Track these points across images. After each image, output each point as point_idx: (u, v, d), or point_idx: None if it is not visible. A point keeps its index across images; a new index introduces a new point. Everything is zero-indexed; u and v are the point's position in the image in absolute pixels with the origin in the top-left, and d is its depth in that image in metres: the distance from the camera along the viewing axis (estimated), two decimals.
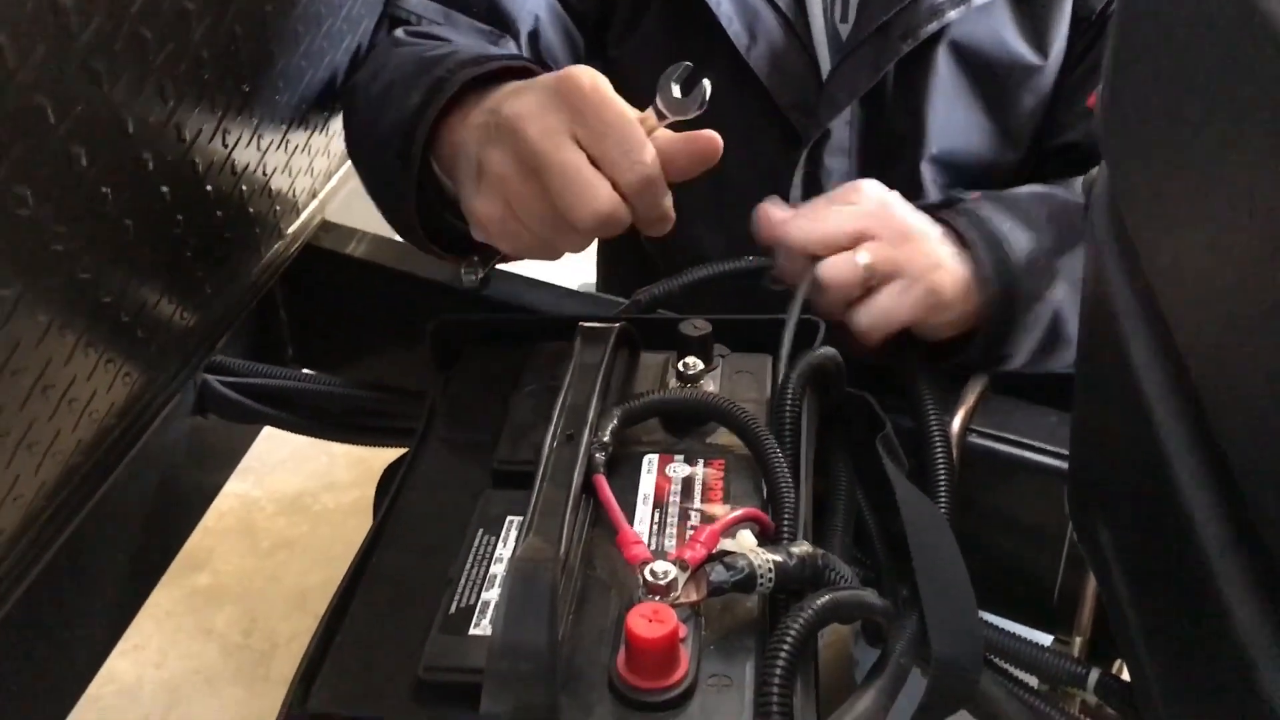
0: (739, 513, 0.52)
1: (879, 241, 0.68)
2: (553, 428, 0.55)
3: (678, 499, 0.55)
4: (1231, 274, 0.40)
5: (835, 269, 0.67)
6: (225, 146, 0.68)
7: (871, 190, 0.71)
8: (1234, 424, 0.40)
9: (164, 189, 0.62)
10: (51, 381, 0.59)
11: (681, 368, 0.63)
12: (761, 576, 0.48)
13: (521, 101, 0.60)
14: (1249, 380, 0.38)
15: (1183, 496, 0.44)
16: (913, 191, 0.86)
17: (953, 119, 0.87)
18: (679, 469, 0.57)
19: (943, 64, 0.85)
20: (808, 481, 0.57)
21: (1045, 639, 0.76)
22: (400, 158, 0.68)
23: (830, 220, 0.69)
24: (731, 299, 0.79)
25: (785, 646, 0.45)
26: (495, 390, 0.64)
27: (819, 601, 0.47)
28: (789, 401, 0.60)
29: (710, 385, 0.63)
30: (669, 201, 0.61)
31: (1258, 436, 0.38)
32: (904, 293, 0.68)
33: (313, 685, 0.47)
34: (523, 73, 0.68)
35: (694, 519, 0.54)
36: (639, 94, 0.62)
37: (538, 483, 0.52)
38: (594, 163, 0.58)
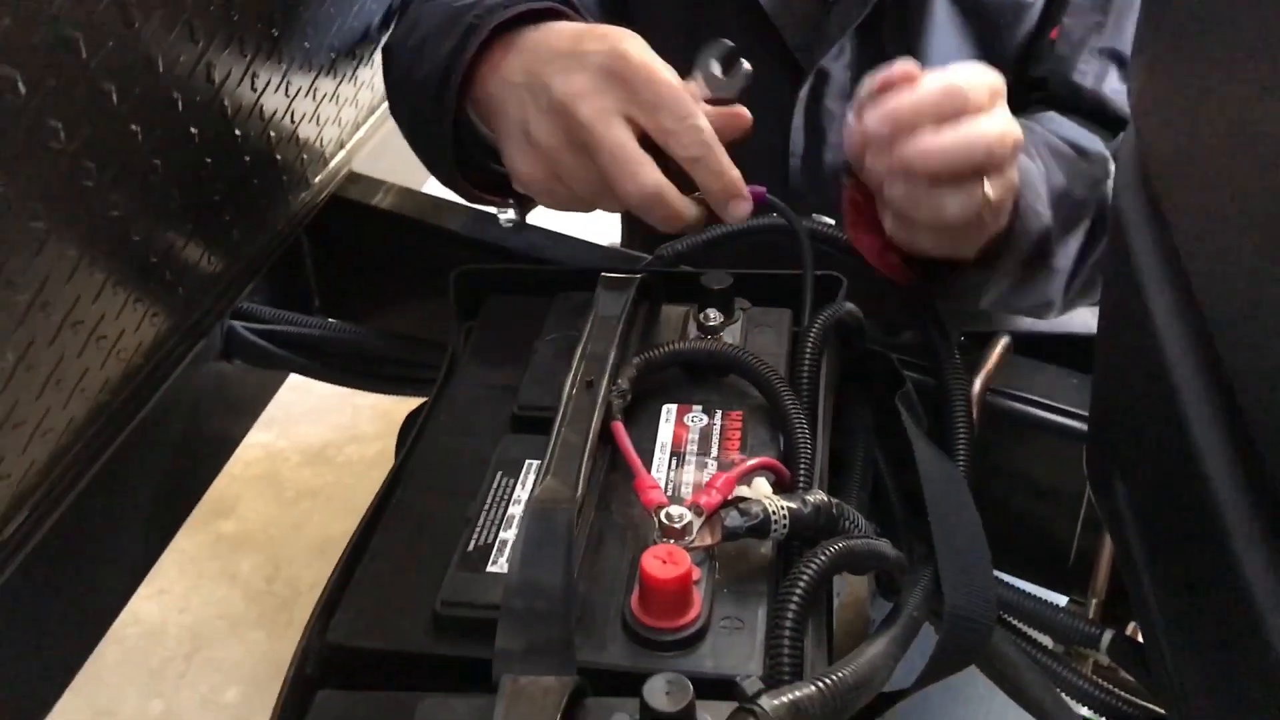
0: (755, 461, 0.52)
1: (1002, 173, 0.62)
2: (572, 374, 0.56)
3: (695, 447, 0.56)
4: (1260, 233, 0.40)
5: (959, 205, 0.61)
6: (254, 91, 0.69)
7: (997, 92, 0.62)
8: (1255, 386, 0.40)
9: (193, 130, 0.63)
10: (80, 318, 0.60)
11: (702, 319, 0.63)
12: (775, 523, 0.48)
13: (573, 81, 0.60)
14: (1273, 342, 0.38)
15: (1201, 457, 0.44)
16: None
17: (948, 59, 0.86)
18: (697, 418, 0.58)
19: (939, 3, 0.84)
20: (825, 434, 0.57)
21: (1060, 600, 0.76)
22: (437, 104, 0.69)
23: (963, 136, 0.59)
24: (753, 255, 0.80)
25: (797, 591, 0.45)
26: (517, 338, 0.65)
27: (832, 548, 0.47)
28: (808, 355, 0.60)
29: (730, 337, 0.63)
30: (735, 171, 0.61)
31: (1277, 398, 0.38)
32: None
33: (331, 618, 0.48)
34: (551, 14, 0.68)
35: (711, 467, 0.54)
36: (654, 44, 0.62)
37: (556, 427, 0.52)
38: (649, 136, 0.60)
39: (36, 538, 0.65)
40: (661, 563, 0.45)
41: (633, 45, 0.60)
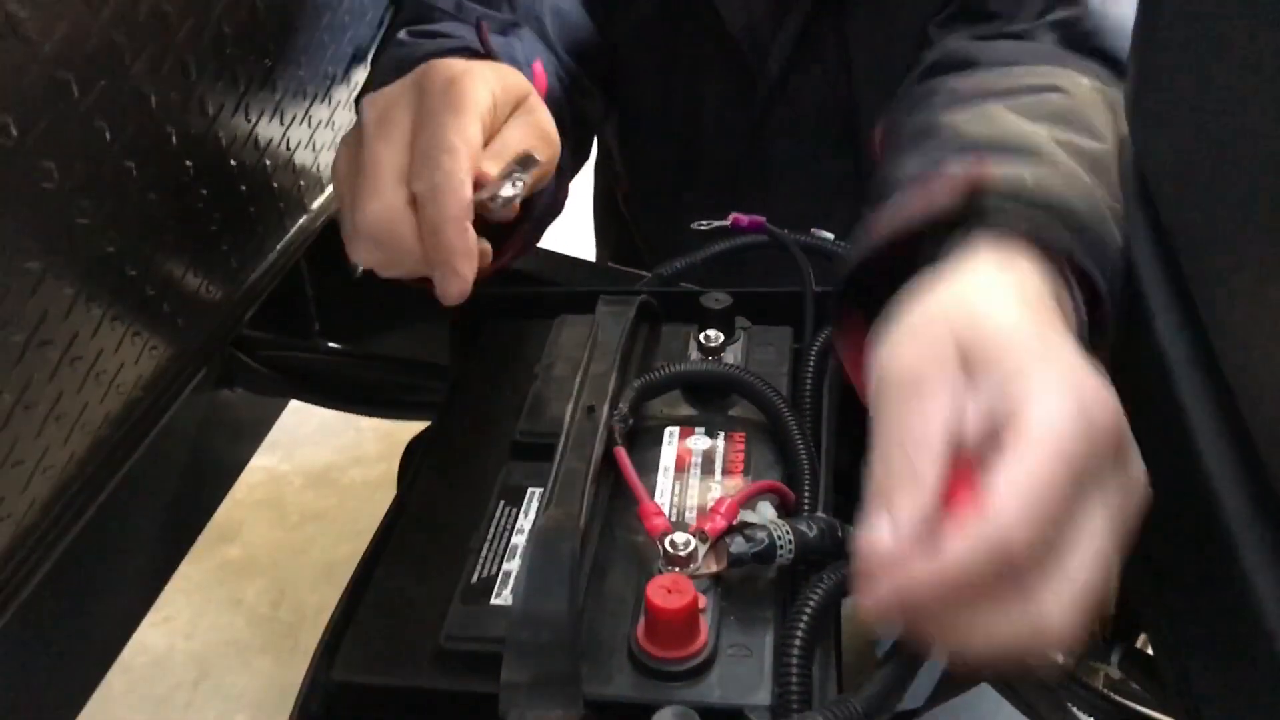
0: (759, 484, 0.52)
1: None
2: (573, 400, 0.55)
3: (698, 471, 0.55)
4: (1257, 242, 0.39)
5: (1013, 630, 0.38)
6: (248, 121, 0.69)
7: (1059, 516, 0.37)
8: (1256, 395, 0.40)
9: (188, 163, 0.63)
10: (79, 354, 0.60)
11: (703, 339, 0.63)
12: (781, 547, 0.48)
13: (380, 93, 0.55)
14: (1272, 351, 0.38)
15: (1207, 468, 0.44)
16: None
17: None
18: (700, 441, 0.57)
19: None
20: (829, 453, 0.57)
21: None
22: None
23: (1013, 630, 0.37)
24: (752, 271, 0.79)
25: (804, 617, 0.45)
26: (517, 363, 0.65)
27: (838, 573, 0.47)
28: (810, 373, 0.60)
29: (731, 357, 0.62)
30: (461, 241, 0.51)
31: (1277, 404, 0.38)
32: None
33: (336, 654, 0.48)
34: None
35: (715, 491, 0.54)
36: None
37: (558, 455, 0.52)
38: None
39: (40, 573, 0.64)
40: (667, 592, 0.45)
41: (445, 68, 0.54)
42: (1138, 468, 0.40)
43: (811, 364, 0.60)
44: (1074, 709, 0.78)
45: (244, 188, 0.73)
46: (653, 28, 0.88)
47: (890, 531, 0.37)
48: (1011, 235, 0.45)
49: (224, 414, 0.90)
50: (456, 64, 0.55)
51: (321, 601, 1.59)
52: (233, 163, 0.70)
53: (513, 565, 0.50)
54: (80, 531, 0.68)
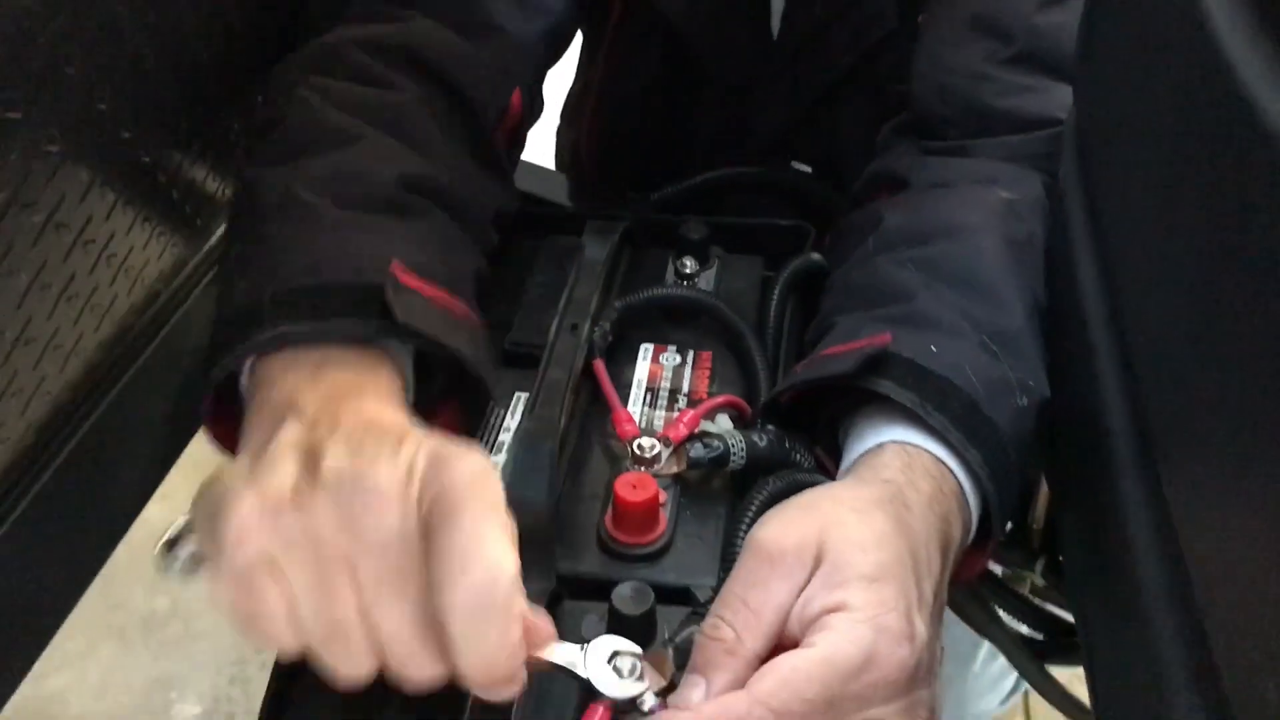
0: (720, 399, 0.59)
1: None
2: (558, 317, 0.62)
3: (668, 384, 0.62)
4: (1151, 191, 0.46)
5: None
6: (266, 9, 0.72)
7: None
8: (1144, 344, 0.47)
9: (204, 55, 0.67)
10: (92, 237, 0.64)
11: (679, 266, 0.69)
12: (734, 454, 0.55)
13: (385, 474, 0.39)
14: (1158, 308, 0.44)
15: (1103, 402, 0.51)
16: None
17: None
18: (671, 358, 0.64)
19: None
20: (785, 373, 0.63)
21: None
22: (205, 358, 0.54)
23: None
24: (740, 199, 0.85)
25: (750, 513, 0.52)
26: (510, 276, 0.70)
27: (782, 479, 0.54)
28: (774, 301, 0.66)
29: (705, 283, 0.69)
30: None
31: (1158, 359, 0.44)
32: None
33: None
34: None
35: (681, 403, 0.61)
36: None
37: (543, 365, 0.59)
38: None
39: (62, 455, 0.71)
40: (633, 487, 0.52)
41: (466, 464, 0.40)
42: (928, 695, 0.45)
43: (776, 293, 0.67)
44: (999, 611, 0.87)
45: (254, 73, 0.77)
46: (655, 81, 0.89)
47: (699, 697, 0.43)
48: (907, 418, 0.52)
49: None
50: (467, 466, 0.40)
51: None
52: (244, 50, 0.74)
53: (500, 459, 0.57)
54: (101, 415, 0.74)
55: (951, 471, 0.52)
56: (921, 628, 0.44)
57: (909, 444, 0.52)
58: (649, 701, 0.43)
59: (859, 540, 0.45)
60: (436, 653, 0.38)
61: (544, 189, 0.89)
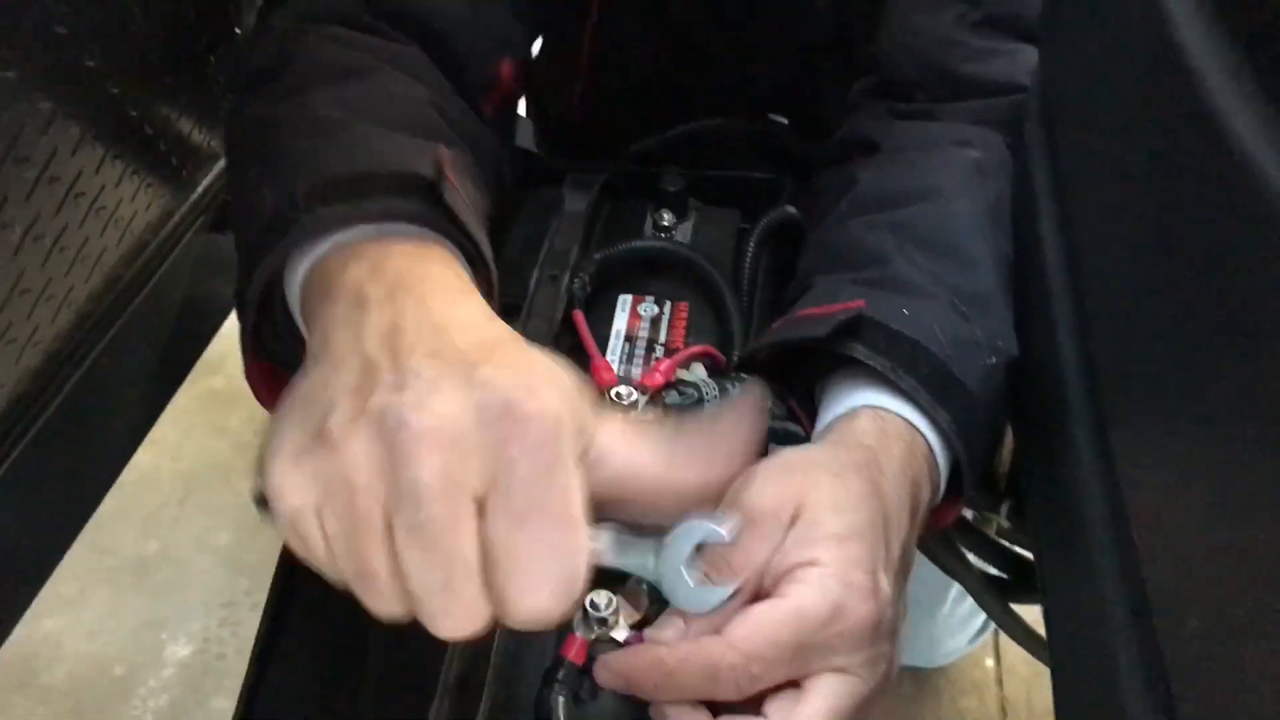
0: (695, 349, 0.61)
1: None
2: (538, 268, 0.63)
3: (645, 334, 0.64)
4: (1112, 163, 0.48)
5: None
6: None
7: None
8: (1097, 292, 0.49)
9: (189, 10, 0.68)
10: (83, 189, 0.65)
11: (657, 218, 0.70)
12: (708, 401, 0.57)
13: (432, 417, 0.37)
14: (1107, 251, 0.47)
15: (1059, 350, 0.53)
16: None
17: None
18: (648, 309, 0.66)
19: None
20: (759, 323, 0.65)
21: None
22: (239, 284, 0.51)
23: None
24: (718, 152, 0.86)
25: None
26: (491, 228, 0.72)
27: None
28: (749, 253, 0.68)
29: (683, 235, 0.70)
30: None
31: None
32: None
33: None
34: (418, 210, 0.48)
35: (658, 352, 0.63)
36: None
37: (523, 315, 0.61)
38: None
39: (53, 405, 0.72)
40: None
41: (546, 404, 0.38)
42: (889, 650, 0.48)
43: (751, 245, 0.69)
44: (966, 552, 0.90)
45: (239, 31, 0.78)
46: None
47: (675, 635, 0.46)
48: (881, 382, 0.54)
49: (216, 256, 0.97)
50: (546, 405, 0.38)
51: None
52: (231, 7, 0.75)
53: None
54: (92, 363, 0.76)
55: (922, 434, 0.54)
56: (887, 586, 0.47)
57: (882, 409, 0.54)
58: (623, 634, 0.46)
59: (833, 502, 0.48)
60: (468, 606, 0.37)
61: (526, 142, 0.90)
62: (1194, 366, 0.36)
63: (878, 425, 0.54)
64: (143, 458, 1.67)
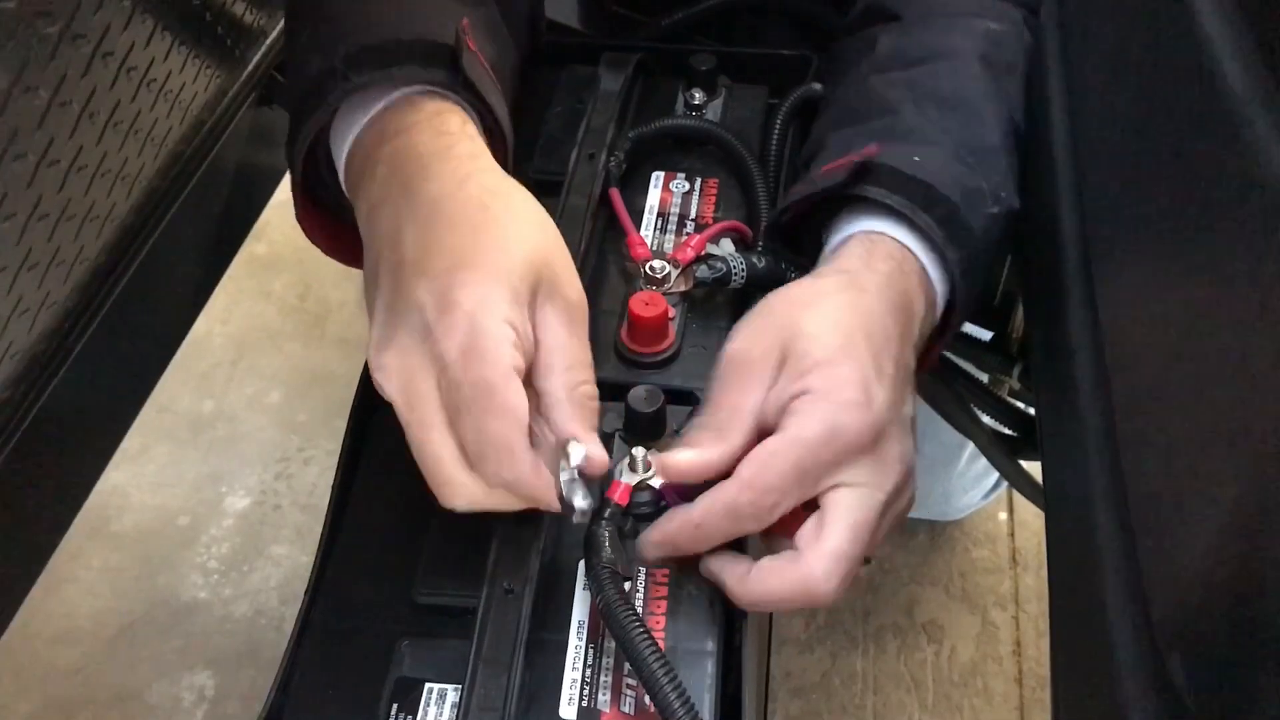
0: (723, 224, 0.65)
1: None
2: (577, 147, 0.67)
3: (677, 210, 0.68)
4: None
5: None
6: None
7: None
8: (1094, 167, 0.53)
9: None
10: (135, 64, 0.68)
11: (688, 97, 0.74)
12: (736, 274, 0.62)
13: (390, 359, 0.50)
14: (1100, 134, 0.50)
15: (1060, 229, 0.57)
16: None
17: None
18: (680, 185, 0.70)
19: None
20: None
21: (985, 335, 0.91)
22: (289, 139, 0.61)
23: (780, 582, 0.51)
24: (748, 24, 0.88)
25: None
26: (531, 107, 0.76)
27: None
28: (776, 130, 0.72)
29: (712, 113, 0.74)
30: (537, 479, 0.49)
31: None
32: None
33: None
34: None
35: (689, 227, 0.67)
36: None
37: (564, 193, 0.65)
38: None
39: (129, 273, 0.78)
40: (645, 304, 0.59)
41: (488, 338, 0.48)
42: (898, 450, 0.52)
43: (779, 122, 0.72)
44: (979, 412, 0.95)
45: None
46: None
47: (689, 459, 0.52)
48: (885, 215, 0.57)
49: (265, 130, 1.01)
50: (463, 298, 0.49)
51: (343, 297, 1.75)
52: None
53: None
54: (158, 237, 0.81)
55: (914, 254, 0.58)
56: (880, 395, 0.51)
57: (873, 232, 0.58)
58: (657, 481, 0.52)
59: (813, 332, 0.52)
60: (462, 484, 0.48)
61: (551, 9, 0.92)
62: (1168, 213, 0.40)
63: (865, 247, 0.57)
64: (199, 325, 1.73)
